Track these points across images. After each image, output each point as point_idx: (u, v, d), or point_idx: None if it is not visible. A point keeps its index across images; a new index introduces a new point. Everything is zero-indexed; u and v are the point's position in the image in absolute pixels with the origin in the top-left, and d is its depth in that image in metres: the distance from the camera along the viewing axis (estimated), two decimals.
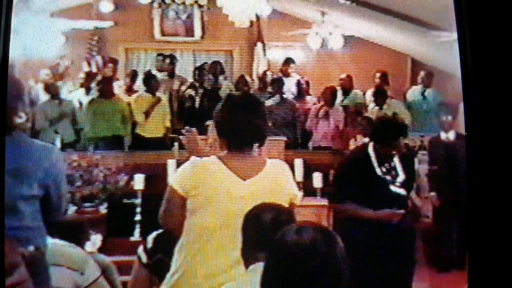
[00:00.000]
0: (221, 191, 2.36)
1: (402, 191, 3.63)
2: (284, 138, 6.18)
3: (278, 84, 7.06)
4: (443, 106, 6.52)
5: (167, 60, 7.43)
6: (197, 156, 2.47)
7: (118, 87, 7.06)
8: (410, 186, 3.73)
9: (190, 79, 7.37)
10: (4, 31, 2.28)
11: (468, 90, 2.32)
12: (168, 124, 6.86)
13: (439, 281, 5.11)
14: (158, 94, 6.85)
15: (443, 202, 5.44)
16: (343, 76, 7.29)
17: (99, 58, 7.53)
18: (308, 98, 7.36)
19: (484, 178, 2.28)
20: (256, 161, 2.46)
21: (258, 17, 7.42)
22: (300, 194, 2.53)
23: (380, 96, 6.84)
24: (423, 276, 4.38)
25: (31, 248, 2.24)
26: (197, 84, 7.21)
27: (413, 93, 7.24)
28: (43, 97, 6.73)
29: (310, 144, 6.92)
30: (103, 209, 5.56)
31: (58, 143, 6.08)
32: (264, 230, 2.05)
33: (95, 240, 3.70)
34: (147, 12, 8.09)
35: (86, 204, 5.53)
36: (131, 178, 5.72)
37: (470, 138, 2.31)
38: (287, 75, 7.44)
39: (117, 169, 5.82)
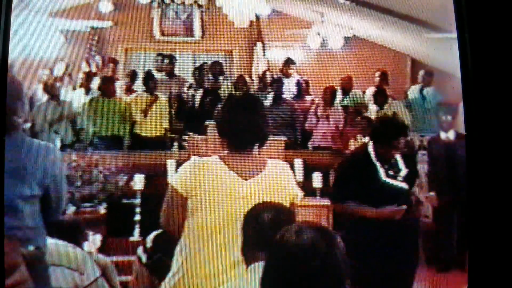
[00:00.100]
0: (222, 191, 2.35)
1: (404, 185, 3.64)
2: (284, 138, 6.17)
3: (277, 84, 7.06)
4: (443, 106, 6.51)
5: (167, 60, 7.41)
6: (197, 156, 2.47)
7: (118, 87, 7.06)
8: (413, 181, 3.73)
9: (190, 79, 7.36)
10: (4, 31, 2.27)
11: (468, 90, 2.32)
12: (167, 124, 6.85)
13: (439, 281, 5.12)
14: (157, 94, 6.84)
15: (443, 202, 5.43)
16: (343, 76, 7.30)
17: (98, 58, 7.53)
18: (308, 98, 7.36)
19: (484, 178, 2.27)
20: (257, 161, 2.44)
21: (257, 17, 7.41)
22: (301, 194, 2.52)
23: (380, 96, 6.84)
24: (423, 276, 4.38)
25: (31, 247, 2.24)
26: (196, 84, 7.21)
27: (413, 92, 7.26)
28: (43, 97, 6.72)
29: (310, 144, 6.92)
30: (102, 209, 5.57)
31: (58, 143, 6.09)
32: (264, 230, 2.05)
33: (95, 240, 3.72)
34: (146, 12, 8.09)
35: (86, 204, 5.53)
36: (130, 178, 5.71)
37: (470, 138, 2.31)
38: (287, 75, 7.43)
39: (117, 169, 5.82)
